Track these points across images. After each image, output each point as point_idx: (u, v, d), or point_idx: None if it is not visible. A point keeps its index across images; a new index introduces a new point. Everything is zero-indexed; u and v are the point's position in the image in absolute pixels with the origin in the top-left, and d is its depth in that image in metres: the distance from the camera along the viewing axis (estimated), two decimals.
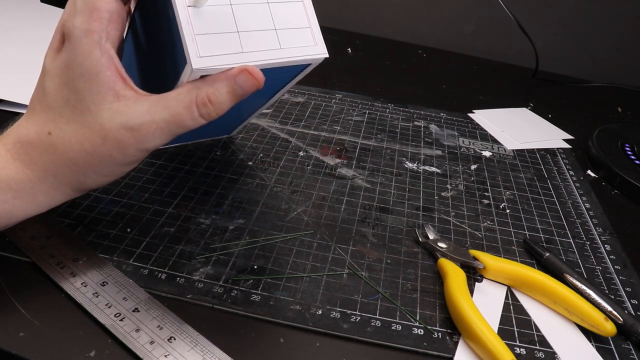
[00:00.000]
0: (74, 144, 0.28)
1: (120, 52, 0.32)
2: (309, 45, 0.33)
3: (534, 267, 0.37)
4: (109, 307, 0.30)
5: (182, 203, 0.39)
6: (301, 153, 0.49)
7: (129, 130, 0.28)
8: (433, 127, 0.58)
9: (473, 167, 0.51)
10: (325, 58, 0.34)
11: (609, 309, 0.33)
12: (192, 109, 0.28)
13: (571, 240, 0.42)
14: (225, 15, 0.30)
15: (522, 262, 0.38)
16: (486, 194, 0.46)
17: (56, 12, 0.71)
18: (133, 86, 0.29)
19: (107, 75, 0.28)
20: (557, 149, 0.57)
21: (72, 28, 0.28)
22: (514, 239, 0.41)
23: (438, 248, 0.37)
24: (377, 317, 0.32)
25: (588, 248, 0.41)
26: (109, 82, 0.28)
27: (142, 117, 0.28)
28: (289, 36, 0.32)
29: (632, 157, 0.54)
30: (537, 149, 0.56)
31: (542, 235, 0.42)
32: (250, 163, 0.46)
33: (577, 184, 0.50)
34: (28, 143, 0.29)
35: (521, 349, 0.31)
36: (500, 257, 0.38)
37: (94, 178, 0.30)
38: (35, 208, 0.29)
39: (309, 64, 0.35)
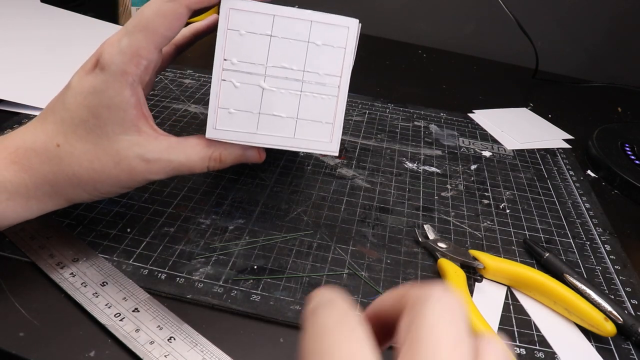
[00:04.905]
0: (82, 161, 0.29)
1: (146, 88, 0.34)
2: (322, 141, 0.33)
3: (534, 267, 0.37)
4: (109, 307, 0.30)
5: (182, 203, 0.39)
6: (301, 153, 0.49)
7: (144, 161, 0.30)
8: (433, 127, 0.58)
9: (473, 167, 0.51)
10: None
11: (609, 309, 0.33)
12: (205, 161, 0.32)
13: (571, 240, 0.42)
14: (254, 95, 0.32)
15: (522, 262, 0.38)
16: (486, 194, 0.46)
17: (56, 12, 0.71)
18: (154, 125, 0.31)
19: (132, 113, 0.30)
20: (557, 149, 0.57)
21: (110, 62, 0.29)
22: (514, 239, 0.41)
23: (438, 248, 0.37)
24: None
25: (588, 248, 0.41)
26: (133, 119, 0.30)
27: (160, 154, 0.30)
28: (307, 128, 0.33)
29: (632, 157, 0.54)
30: (537, 149, 0.56)
31: (542, 235, 0.42)
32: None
33: (577, 184, 0.50)
34: (32, 149, 0.29)
35: (521, 349, 0.31)
36: (500, 257, 0.38)
37: (90, 193, 0.31)
38: (27, 213, 0.30)
39: None
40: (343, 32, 0.32)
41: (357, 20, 0.32)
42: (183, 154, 0.31)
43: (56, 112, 0.30)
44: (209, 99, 0.32)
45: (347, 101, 0.61)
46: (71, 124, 0.29)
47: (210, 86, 0.32)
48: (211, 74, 0.31)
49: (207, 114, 0.32)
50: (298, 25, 0.31)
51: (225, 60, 0.31)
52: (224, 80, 0.31)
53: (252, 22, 0.31)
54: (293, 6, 0.32)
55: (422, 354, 0.15)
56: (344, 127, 0.55)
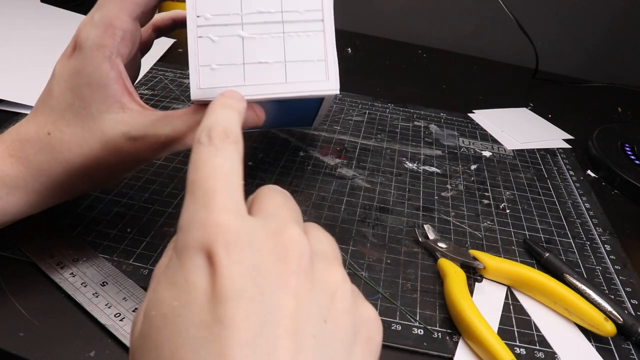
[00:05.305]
0: (72, 146, 0.29)
1: (132, 68, 0.33)
2: (318, 80, 0.31)
3: (534, 267, 0.37)
4: (109, 307, 0.30)
5: (182, 203, 0.39)
6: (301, 153, 0.49)
7: (130, 140, 0.29)
8: (433, 127, 0.58)
9: (473, 167, 0.51)
10: None
11: (609, 309, 0.33)
12: (195, 131, 0.30)
13: (571, 240, 0.42)
14: (234, 46, 0.30)
15: (522, 262, 0.38)
16: (486, 194, 0.46)
17: (56, 12, 0.71)
18: (138, 100, 0.30)
19: (114, 88, 0.29)
20: (557, 149, 0.57)
21: (85, 39, 0.28)
22: (514, 239, 0.41)
23: (438, 248, 0.37)
24: None
25: (588, 248, 0.41)
26: (116, 95, 0.29)
27: (146, 130, 0.29)
28: (298, 69, 0.31)
29: (632, 157, 0.54)
30: (537, 149, 0.56)
31: (542, 235, 0.42)
32: (250, 163, 0.46)
33: (577, 184, 0.50)
34: (26, 141, 0.29)
35: (521, 349, 0.31)
36: (500, 257, 0.38)
37: (86, 182, 0.30)
38: (29, 207, 0.30)
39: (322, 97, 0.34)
40: None
41: None
42: (169, 126, 0.29)
43: (45, 102, 0.30)
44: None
45: (347, 101, 0.61)
46: (59, 110, 0.29)
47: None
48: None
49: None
50: None
51: (198, 17, 0.30)
52: (200, 37, 0.30)
53: None
54: None
55: (262, 205, 0.21)
56: (344, 127, 0.55)
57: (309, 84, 0.31)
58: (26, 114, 0.48)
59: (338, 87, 0.31)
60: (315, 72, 0.31)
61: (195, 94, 0.29)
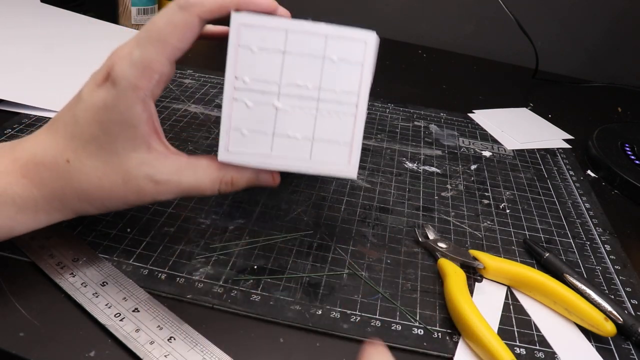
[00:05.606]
0: (91, 178, 0.29)
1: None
2: (340, 163, 0.31)
3: (534, 267, 0.37)
4: (109, 307, 0.30)
5: (182, 203, 0.39)
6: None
7: (152, 182, 0.29)
8: (433, 127, 0.58)
9: (473, 167, 0.51)
10: None
11: (609, 309, 0.33)
12: (216, 184, 0.31)
13: (571, 240, 0.42)
14: (267, 115, 0.30)
15: (522, 262, 0.38)
16: (486, 194, 0.46)
17: (56, 12, 0.71)
18: (165, 142, 0.30)
19: (144, 129, 0.29)
20: (557, 149, 0.57)
21: (121, 76, 0.28)
22: (514, 239, 0.41)
23: (438, 248, 0.37)
24: (377, 317, 0.32)
25: (588, 248, 0.41)
26: (145, 136, 0.29)
27: (169, 175, 0.30)
28: (324, 149, 0.31)
29: (632, 157, 0.54)
30: (537, 149, 0.56)
31: (542, 235, 0.42)
32: None
33: (577, 184, 0.50)
34: (42, 164, 0.29)
35: (521, 349, 0.31)
36: (500, 257, 0.38)
37: (98, 208, 0.30)
38: (35, 224, 0.30)
39: None
40: (360, 47, 0.30)
41: (375, 34, 0.31)
42: (193, 176, 0.30)
43: (67, 125, 0.29)
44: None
45: None
46: (81, 139, 0.29)
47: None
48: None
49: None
50: (312, 41, 0.30)
51: (236, 78, 0.30)
52: (235, 99, 0.30)
53: (264, 39, 0.30)
54: (304, 18, 0.30)
55: None
56: None
57: (330, 165, 0.32)
58: (26, 114, 0.48)
59: (356, 173, 0.32)
60: (339, 155, 0.31)
61: (222, 155, 0.31)
